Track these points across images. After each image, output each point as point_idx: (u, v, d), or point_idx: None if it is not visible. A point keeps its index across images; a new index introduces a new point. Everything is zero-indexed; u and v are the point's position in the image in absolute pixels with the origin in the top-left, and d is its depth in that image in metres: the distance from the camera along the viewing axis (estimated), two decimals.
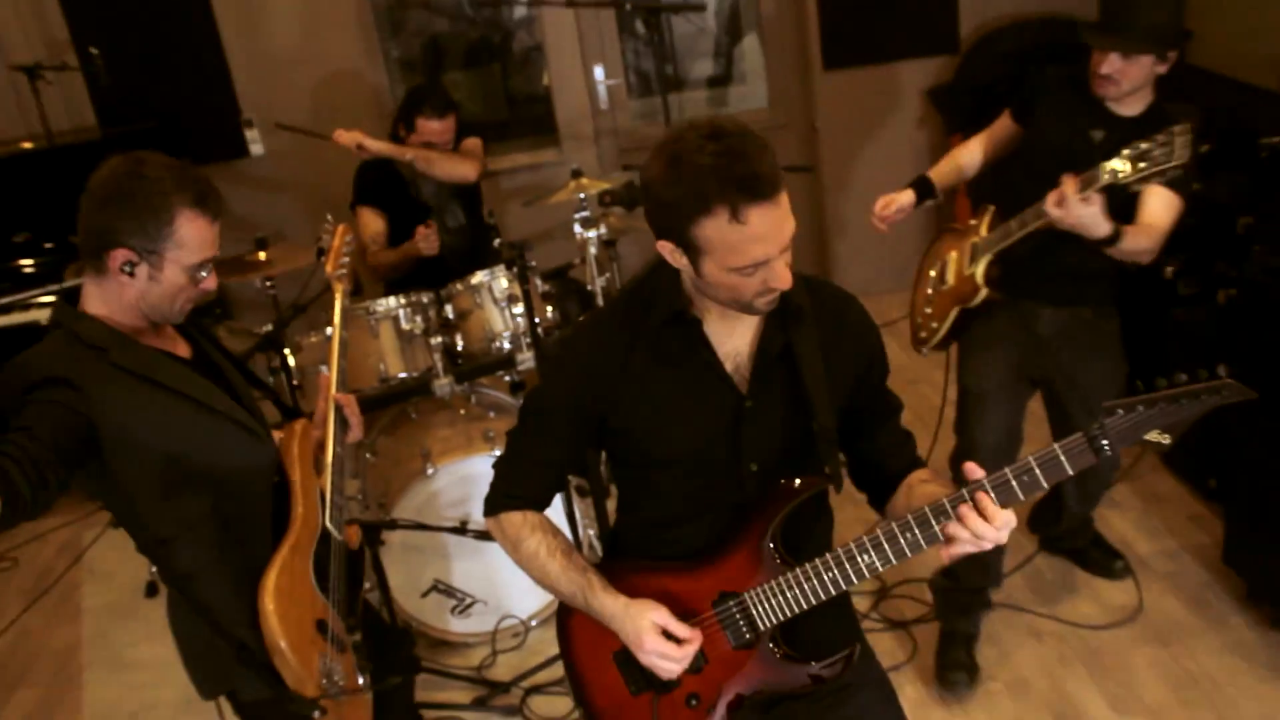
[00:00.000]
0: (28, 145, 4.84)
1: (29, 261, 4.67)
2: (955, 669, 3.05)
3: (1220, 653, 3.06)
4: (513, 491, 1.91)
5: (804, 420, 1.77)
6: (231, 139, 5.17)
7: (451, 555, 3.41)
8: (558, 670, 3.32)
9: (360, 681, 2.25)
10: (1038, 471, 1.59)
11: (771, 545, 1.76)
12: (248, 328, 3.96)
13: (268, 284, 3.57)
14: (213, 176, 5.42)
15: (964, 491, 1.61)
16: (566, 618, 1.91)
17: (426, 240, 3.87)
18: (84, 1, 4.93)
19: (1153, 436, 1.57)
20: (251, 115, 5.17)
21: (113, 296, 1.97)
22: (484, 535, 3.17)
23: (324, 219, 2.95)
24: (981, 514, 1.59)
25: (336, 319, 2.62)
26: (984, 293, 2.95)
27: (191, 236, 1.95)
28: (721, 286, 1.67)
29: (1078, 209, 2.54)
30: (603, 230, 3.82)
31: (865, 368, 1.86)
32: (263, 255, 3.56)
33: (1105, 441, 1.56)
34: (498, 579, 3.48)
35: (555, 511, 3.36)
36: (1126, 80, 2.69)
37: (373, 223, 4.05)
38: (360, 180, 4.10)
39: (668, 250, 1.69)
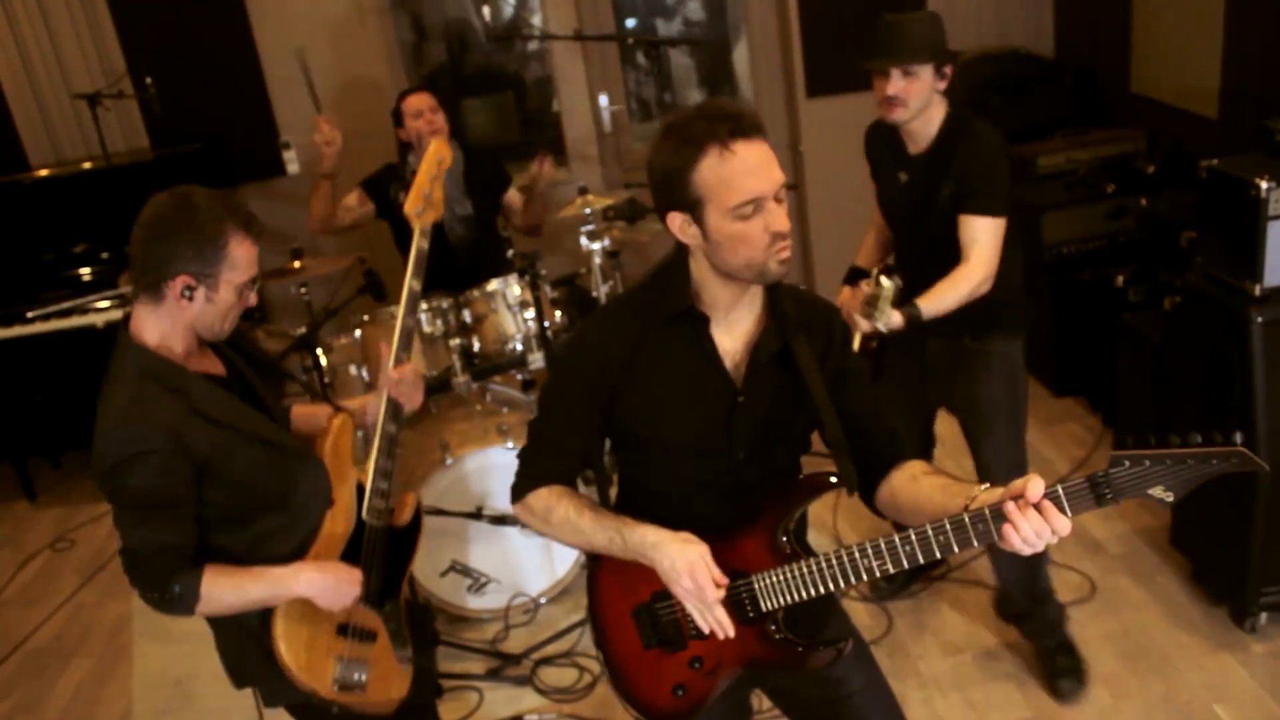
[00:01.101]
0: (87, 165, 4.83)
1: (87, 270, 4.67)
2: (1063, 676, 2.87)
3: (1168, 627, 3.03)
4: (535, 474, 1.87)
5: (794, 418, 1.78)
6: (270, 159, 5.10)
7: (468, 538, 3.39)
8: (565, 643, 3.32)
9: (398, 656, 2.22)
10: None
11: (785, 537, 1.75)
12: (284, 330, 3.95)
13: (302, 289, 3.58)
14: (252, 193, 5.44)
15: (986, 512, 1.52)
16: (595, 572, 1.88)
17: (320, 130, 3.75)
18: (140, 34, 4.91)
19: (1156, 492, 1.45)
20: (288, 138, 5.13)
21: (168, 321, 1.93)
22: (499, 520, 3.26)
23: (358, 240, 2.75)
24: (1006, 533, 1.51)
25: (410, 269, 2.30)
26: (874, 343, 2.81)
27: (242, 257, 1.94)
28: (730, 243, 1.65)
29: (864, 325, 2.43)
30: (606, 242, 3.82)
31: (849, 369, 1.85)
32: (297, 264, 3.56)
33: (1108, 490, 1.46)
34: (510, 560, 3.45)
35: None
36: (911, 98, 2.56)
37: (354, 201, 3.96)
38: (378, 174, 4.02)
39: (677, 223, 1.68)
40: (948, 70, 2.60)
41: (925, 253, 2.70)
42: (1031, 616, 2.95)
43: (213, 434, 1.90)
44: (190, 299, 1.90)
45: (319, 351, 3.44)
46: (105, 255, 4.68)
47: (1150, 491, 1.45)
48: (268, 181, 5.17)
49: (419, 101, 3.88)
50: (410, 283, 2.30)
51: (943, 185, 2.61)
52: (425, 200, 2.36)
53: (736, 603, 1.75)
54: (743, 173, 1.61)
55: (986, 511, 1.52)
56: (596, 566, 1.88)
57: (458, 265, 3.87)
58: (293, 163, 5.11)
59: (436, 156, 2.39)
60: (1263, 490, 2.78)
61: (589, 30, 4.89)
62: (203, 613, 1.94)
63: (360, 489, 2.17)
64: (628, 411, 1.80)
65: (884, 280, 2.42)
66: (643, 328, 1.77)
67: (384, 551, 2.20)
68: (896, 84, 2.56)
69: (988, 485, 1.58)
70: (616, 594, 1.84)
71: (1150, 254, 3.96)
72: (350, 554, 2.13)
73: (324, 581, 2.01)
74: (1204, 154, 3.02)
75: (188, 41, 4.94)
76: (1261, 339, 2.71)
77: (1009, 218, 2.60)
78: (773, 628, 1.75)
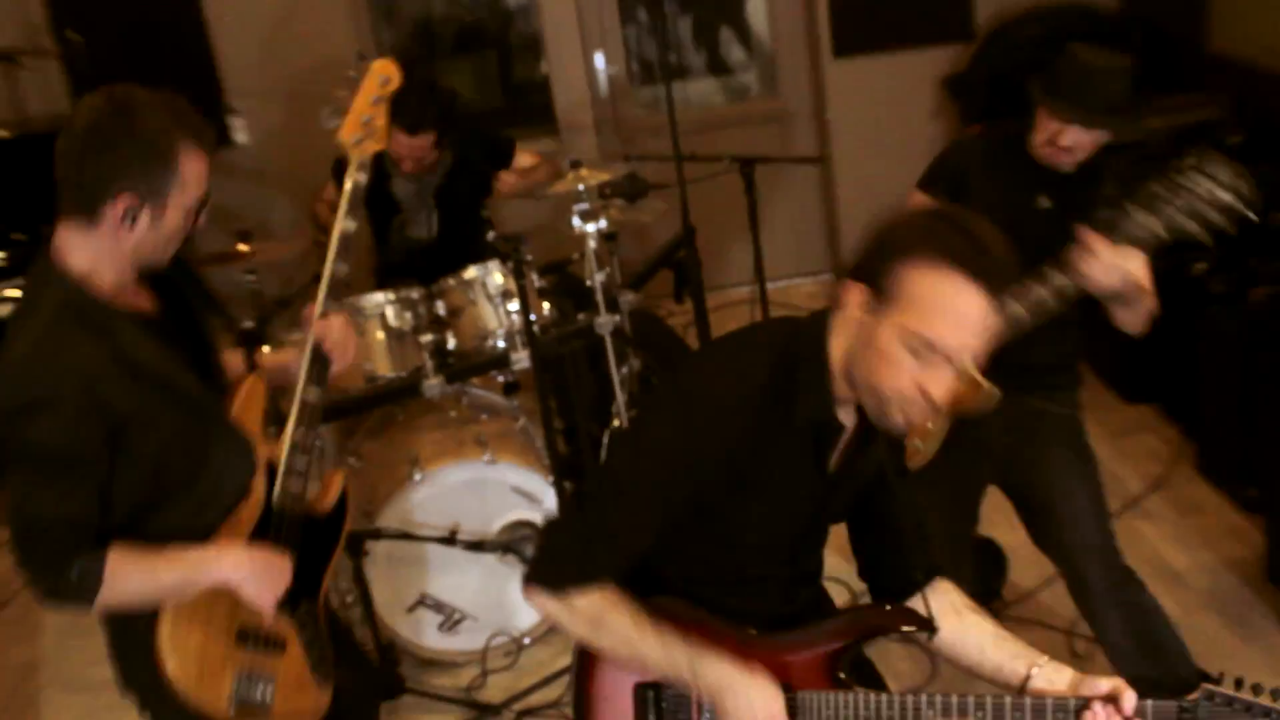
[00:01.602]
0: (2, 133, 4.77)
1: None
2: None
3: (1264, 675, 2.86)
4: (590, 570, 1.71)
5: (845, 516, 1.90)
6: (215, 126, 5.10)
7: (440, 567, 3.36)
8: (553, 691, 3.27)
9: (312, 670, 2.13)
10: None
11: (843, 672, 1.77)
12: (228, 322, 3.87)
13: (250, 277, 3.52)
14: None
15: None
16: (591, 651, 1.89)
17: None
18: None
19: None
20: (236, 102, 5.15)
21: (104, 249, 1.85)
22: (474, 546, 3.19)
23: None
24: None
25: (342, 207, 2.23)
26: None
27: (193, 173, 1.87)
28: (878, 358, 1.57)
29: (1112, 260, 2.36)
30: (603, 224, 3.73)
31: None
32: (245, 247, 3.53)
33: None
34: (489, 593, 3.41)
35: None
36: (1083, 151, 2.58)
37: (331, 195, 3.90)
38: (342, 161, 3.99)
39: (856, 298, 1.59)
40: None
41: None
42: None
43: (135, 389, 1.83)
44: (133, 223, 1.83)
45: (267, 349, 3.35)
46: (18, 237, 4.62)
47: None
48: (212, 153, 5.12)
49: (408, 148, 3.70)
50: (343, 222, 2.21)
51: (1099, 203, 2.56)
52: (363, 128, 2.27)
53: None
54: (954, 314, 1.52)
55: (1071, 704, 1.63)
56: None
57: (419, 265, 3.82)
58: (241, 131, 5.12)
59: (379, 77, 2.27)
60: None
61: None
62: (103, 603, 1.85)
63: (272, 468, 2.07)
64: (712, 504, 1.72)
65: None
66: (772, 430, 1.67)
67: (298, 542, 2.09)
68: (1078, 136, 2.55)
69: (1046, 659, 1.73)
70: (616, 667, 1.83)
71: (1236, 239, 3.87)
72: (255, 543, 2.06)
73: (252, 565, 1.96)
74: None
75: None
76: None
77: None
78: None
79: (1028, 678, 1.69)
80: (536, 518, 3.37)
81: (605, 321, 3.56)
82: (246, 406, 2.07)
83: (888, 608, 1.80)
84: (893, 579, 1.86)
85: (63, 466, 1.79)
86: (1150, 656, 2.70)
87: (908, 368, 1.54)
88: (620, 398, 3.63)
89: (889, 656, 2.40)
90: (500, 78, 5.87)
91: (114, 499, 1.87)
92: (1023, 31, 4.97)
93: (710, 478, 1.67)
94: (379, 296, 3.43)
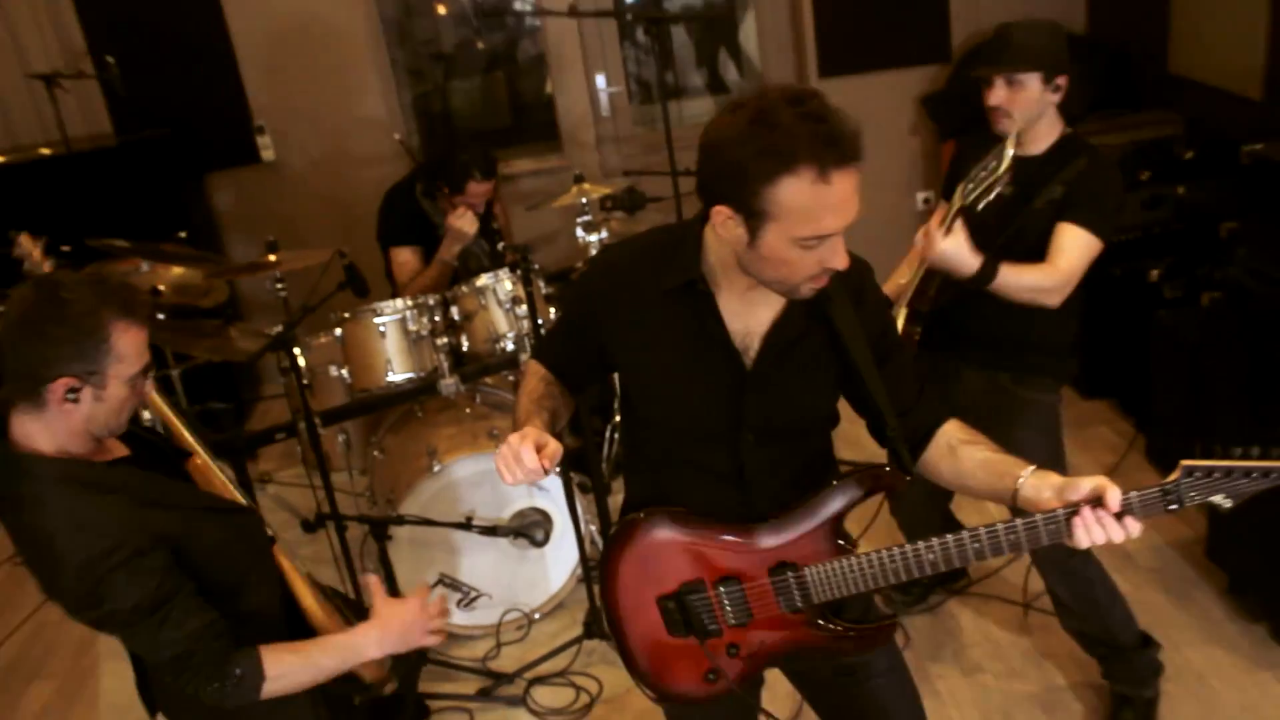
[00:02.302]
0: (45, 151, 4.83)
1: (48, 263, 4.63)
2: None
3: (1203, 645, 3.06)
4: (540, 351, 2.01)
5: (815, 397, 1.81)
6: (244, 145, 5.15)
7: (457, 550, 3.41)
8: (561, 661, 3.35)
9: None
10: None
11: (839, 530, 1.79)
12: (259, 329, 3.96)
13: (278, 285, 3.54)
14: (225, 181, 5.42)
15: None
16: (612, 560, 1.91)
17: (462, 218, 3.77)
18: (101, 11, 4.92)
19: (1216, 499, 1.63)
20: (263, 122, 5.14)
21: (59, 428, 1.85)
22: (488, 530, 3.25)
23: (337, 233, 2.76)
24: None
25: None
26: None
27: (129, 346, 1.85)
28: (774, 263, 1.60)
29: (939, 242, 2.45)
30: (604, 234, 3.80)
31: (880, 331, 1.82)
32: (273, 257, 3.52)
33: (1177, 500, 1.61)
34: (502, 573, 3.48)
35: (558, 505, 3.42)
36: (1017, 109, 2.56)
37: (410, 262, 3.99)
38: (388, 218, 4.04)
39: (722, 217, 1.59)
40: (1060, 82, 2.58)
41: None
42: (1113, 660, 2.90)
43: (170, 517, 1.87)
44: (76, 401, 1.82)
45: (296, 351, 3.42)
46: (65, 248, 4.63)
47: (1211, 499, 1.62)
48: (241, 169, 5.20)
49: (481, 194, 3.79)
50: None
51: (1043, 191, 2.58)
52: None
53: (785, 593, 1.80)
54: (828, 207, 1.52)
55: (1060, 515, 1.61)
56: (615, 549, 1.90)
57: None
58: (267, 149, 5.16)
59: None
60: None
61: (585, 6, 4.92)
62: (271, 692, 1.90)
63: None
64: (626, 380, 1.86)
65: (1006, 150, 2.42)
66: (640, 291, 1.76)
67: None
68: (999, 93, 2.57)
69: (1033, 468, 1.68)
70: (637, 581, 1.88)
71: (1187, 246, 3.97)
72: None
73: (392, 634, 2.03)
74: (1247, 139, 3.02)
75: (153, 18, 4.94)
76: None
77: (1103, 252, 2.58)
78: (821, 620, 1.82)
79: (1015, 491, 1.66)
80: (545, 505, 3.43)
81: None
82: (210, 483, 2.14)
83: (868, 471, 1.77)
84: (906, 440, 1.82)
85: (163, 602, 1.81)
86: (1092, 616, 2.80)
87: (806, 259, 1.58)
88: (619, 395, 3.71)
89: None
90: (508, 97, 5.83)
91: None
92: None
93: (598, 337, 1.83)
94: (399, 303, 3.44)
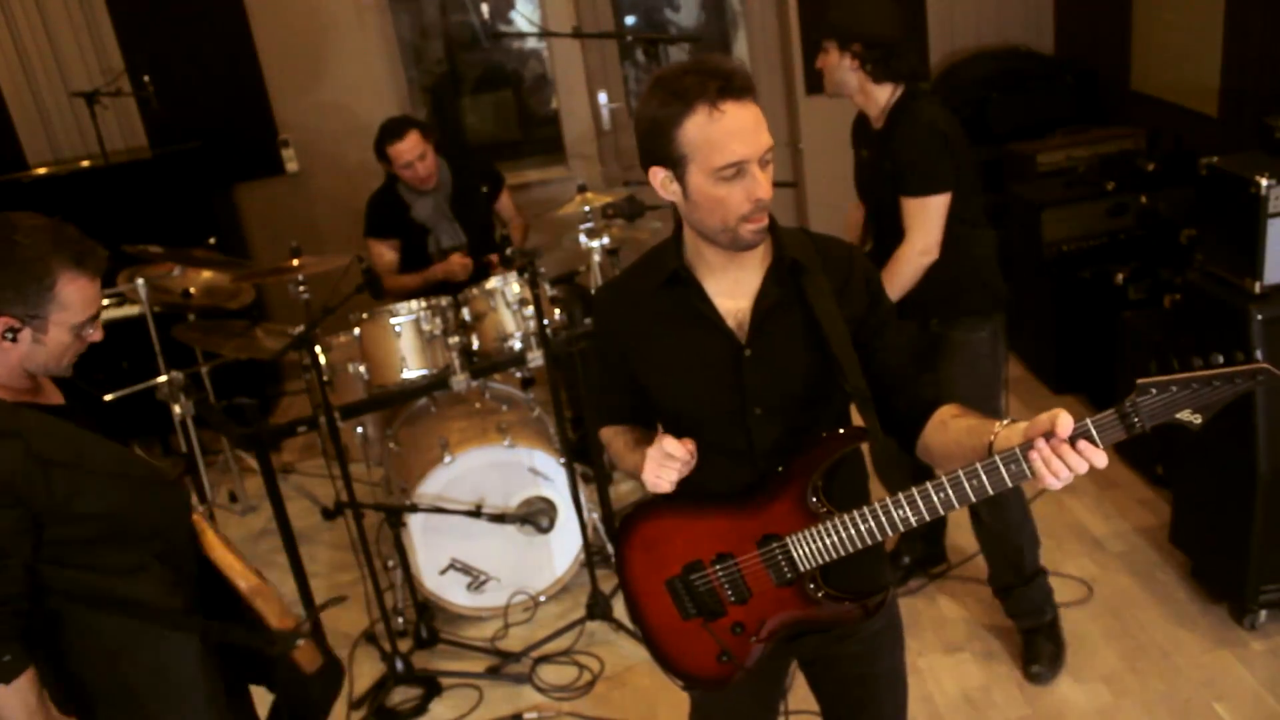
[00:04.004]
0: (85, 164, 4.83)
1: None
2: (1037, 660, 2.92)
3: (1167, 624, 3.02)
4: (601, 415, 1.99)
5: (811, 367, 1.73)
6: (269, 157, 5.14)
7: (467, 536, 3.38)
8: (565, 641, 3.32)
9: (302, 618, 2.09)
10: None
11: (814, 494, 1.71)
12: (282, 328, 3.94)
13: (301, 288, 3.51)
14: (252, 192, 5.40)
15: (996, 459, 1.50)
16: (622, 550, 1.89)
17: (463, 268, 3.91)
18: (138, 33, 4.91)
19: (1184, 416, 1.45)
20: (287, 135, 5.14)
21: None
22: (498, 518, 3.25)
23: (356, 239, 2.80)
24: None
25: None
26: None
27: (74, 297, 1.77)
28: (708, 207, 1.63)
29: None
30: (605, 240, 3.80)
31: (868, 308, 1.77)
32: (296, 262, 3.51)
33: (1137, 419, 1.44)
34: (510, 558, 3.45)
35: (562, 494, 3.40)
36: (824, 72, 2.71)
37: (385, 254, 4.06)
38: (370, 212, 4.10)
39: (659, 179, 1.66)
40: (856, 49, 2.64)
41: (884, 228, 2.79)
42: (1015, 594, 2.95)
43: (55, 478, 1.73)
44: (15, 340, 1.76)
45: (317, 350, 3.40)
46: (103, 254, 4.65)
47: (1178, 416, 1.45)
48: (267, 180, 5.18)
49: (406, 151, 3.84)
50: None
51: (885, 161, 2.70)
52: None
53: (773, 565, 1.74)
54: (729, 135, 1.57)
55: (1018, 451, 1.48)
56: (622, 544, 1.88)
57: (450, 284, 3.90)
58: (291, 161, 5.14)
59: None
60: (1262, 487, 2.78)
61: (588, 28, 4.88)
62: (3, 699, 1.74)
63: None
64: (644, 380, 1.83)
65: None
66: (637, 299, 1.79)
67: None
68: (824, 58, 2.71)
69: (1010, 420, 1.55)
70: (646, 569, 1.85)
71: (1150, 252, 3.96)
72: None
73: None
74: (1204, 151, 3.01)
75: (186, 39, 4.93)
76: (1262, 336, 2.70)
77: (954, 190, 2.67)
78: (812, 586, 1.75)
79: (990, 445, 1.53)
80: (550, 494, 3.41)
81: None
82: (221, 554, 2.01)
83: (825, 435, 1.70)
84: (905, 420, 1.76)
85: None
86: (1007, 534, 2.89)
87: (732, 193, 1.60)
88: None
89: None
90: (517, 112, 5.84)
91: (89, 538, 1.78)
92: (970, 72, 4.96)
93: (620, 348, 1.83)
94: (413, 304, 3.42)
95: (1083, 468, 1.45)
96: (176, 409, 3.77)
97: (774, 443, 1.75)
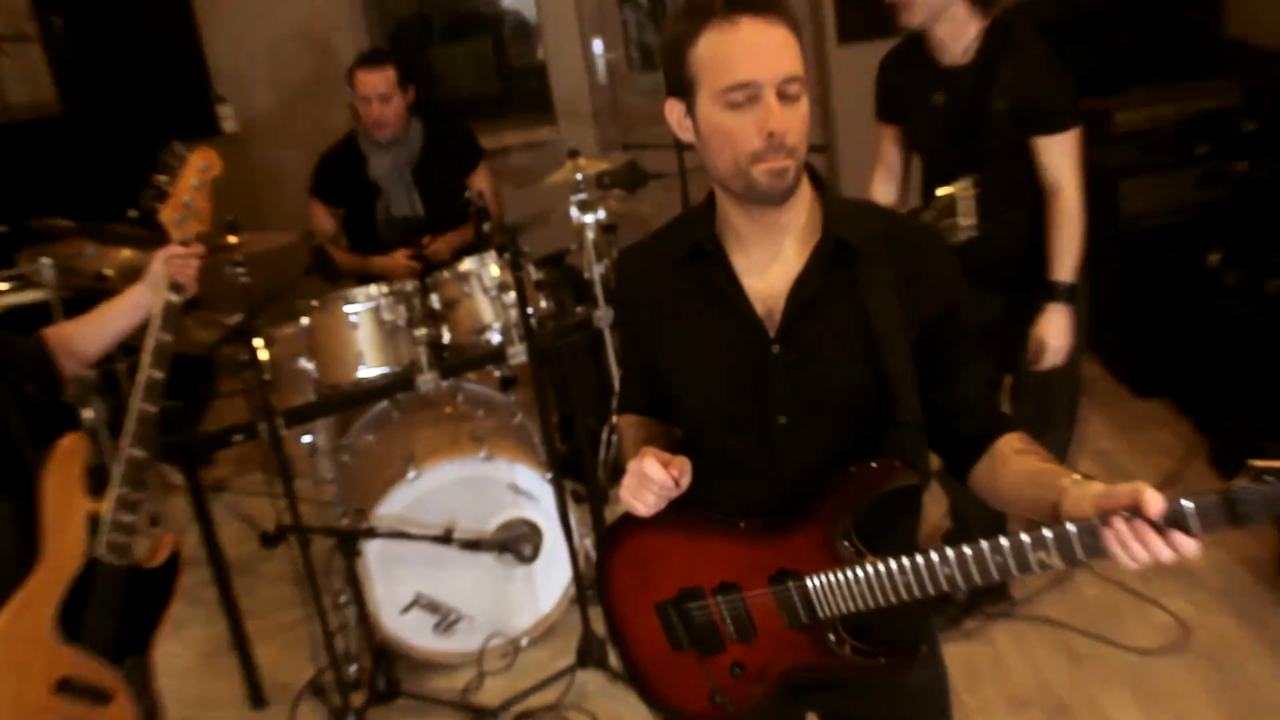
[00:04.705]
0: None
1: None
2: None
3: None
4: (623, 403, 2.01)
5: (853, 376, 1.69)
6: (202, 116, 5.16)
7: (435, 566, 3.35)
8: (551, 694, 3.26)
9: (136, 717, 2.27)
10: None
11: (844, 536, 1.68)
12: (216, 317, 3.88)
13: (239, 270, 3.47)
14: None
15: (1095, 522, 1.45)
16: (606, 562, 1.89)
17: (409, 270, 3.92)
18: None
19: None
20: (224, 90, 5.15)
21: None
22: (471, 545, 3.16)
23: (305, 213, 2.87)
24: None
25: (155, 324, 2.38)
26: None
27: None
28: (716, 143, 1.62)
29: (1053, 351, 2.82)
30: (601, 214, 3.80)
31: (944, 314, 1.71)
32: (233, 239, 3.48)
33: (1248, 510, 1.38)
34: (486, 593, 3.42)
35: (549, 516, 3.36)
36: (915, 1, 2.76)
37: (322, 219, 4.14)
38: (320, 167, 4.18)
39: (675, 116, 1.68)
40: None
41: (979, 178, 2.78)
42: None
43: None
44: None
45: (257, 343, 3.32)
46: (3, 228, 4.59)
47: None
48: (199, 142, 5.09)
49: (371, 84, 3.92)
50: (150, 371, 2.34)
51: (993, 99, 2.75)
52: (184, 209, 2.49)
53: (786, 606, 1.71)
54: (739, 50, 1.58)
55: (1097, 525, 1.43)
56: (608, 555, 1.88)
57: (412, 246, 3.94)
58: (228, 120, 5.13)
59: (199, 164, 2.50)
60: None
61: None
62: None
63: (95, 520, 2.23)
64: (658, 363, 1.83)
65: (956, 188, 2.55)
66: (663, 265, 1.79)
67: (123, 595, 2.24)
68: None
69: (1079, 477, 1.52)
70: (633, 588, 1.85)
71: (1250, 228, 3.93)
72: (77, 596, 2.18)
73: None
74: None
75: None
76: None
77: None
78: (833, 637, 1.71)
79: (1058, 503, 1.52)
80: (534, 516, 3.38)
81: (604, 315, 3.59)
82: (66, 467, 2.17)
83: (873, 465, 1.66)
84: (956, 440, 1.75)
85: None
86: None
87: (741, 123, 1.59)
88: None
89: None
90: (496, 64, 5.87)
91: None
92: (1033, 16, 4.94)
93: (637, 324, 1.85)
94: (372, 289, 3.42)
95: (1169, 558, 1.40)
96: (87, 413, 3.76)
97: (800, 462, 1.72)
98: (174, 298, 2.36)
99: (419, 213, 4.06)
